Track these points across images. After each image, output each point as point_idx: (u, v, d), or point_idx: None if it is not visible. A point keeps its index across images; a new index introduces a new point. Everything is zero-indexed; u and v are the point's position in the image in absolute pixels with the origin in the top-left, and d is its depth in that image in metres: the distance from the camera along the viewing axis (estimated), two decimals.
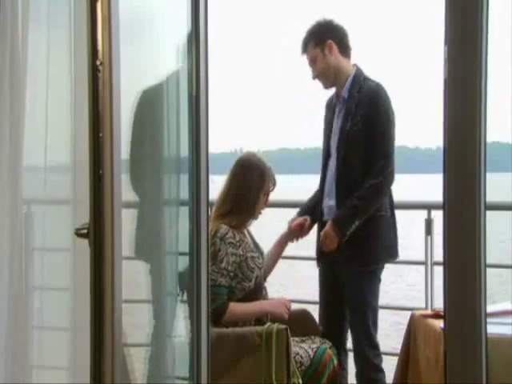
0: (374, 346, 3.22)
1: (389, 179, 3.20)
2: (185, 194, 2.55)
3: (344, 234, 3.16)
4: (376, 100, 3.21)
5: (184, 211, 2.55)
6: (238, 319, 3.05)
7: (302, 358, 3.01)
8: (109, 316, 1.64)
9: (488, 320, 1.73)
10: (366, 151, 3.19)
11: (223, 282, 3.01)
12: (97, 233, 1.67)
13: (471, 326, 1.75)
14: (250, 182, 3.11)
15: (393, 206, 3.29)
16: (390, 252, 3.29)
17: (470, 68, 1.87)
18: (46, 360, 2.57)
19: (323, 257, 3.34)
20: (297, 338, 3.12)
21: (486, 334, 1.75)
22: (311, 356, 3.03)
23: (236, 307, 3.03)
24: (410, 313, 3.24)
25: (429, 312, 3.12)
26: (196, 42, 2.45)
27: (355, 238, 3.19)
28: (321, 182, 3.40)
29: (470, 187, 1.73)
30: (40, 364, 2.54)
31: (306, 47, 3.36)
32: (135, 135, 2.36)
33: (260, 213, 3.22)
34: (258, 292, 3.12)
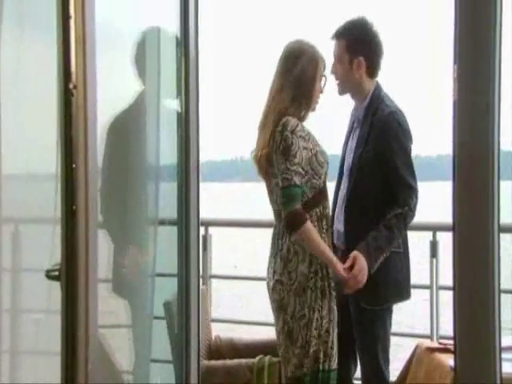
0: (384, 380, 3.07)
1: (413, 211, 2.98)
2: (173, 214, 2.42)
3: (373, 266, 2.89)
4: (387, 132, 3.00)
5: (171, 233, 2.43)
6: (309, 245, 2.74)
7: None
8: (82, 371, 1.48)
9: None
10: (385, 179, 2.99)
11: (298, 182, 2.72)
12: (69, 275, 1.51)
13: (485, 363, 1.64)
14: (305, 69, 2.85)
15: (406, 243, 3.07)
16: (401, 293, 3.10)
17: (482, 89, 1.75)
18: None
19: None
20: None
21: (501, 372, 1.62)
22: None
23: (312, 231, 2.72)
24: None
25: (436, 345, 2.96)
26: (185, 55, 2.33)
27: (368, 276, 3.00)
28: (333, 201, 3.22)
29: (481, 208, 1.64)
30: None
31: (336, 39, 3.11)
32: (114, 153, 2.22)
33: (317, 102, 2.95)
34: (324, 192, 2.86)
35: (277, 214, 2.85)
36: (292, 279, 2.77)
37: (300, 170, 2.74)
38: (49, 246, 2.33)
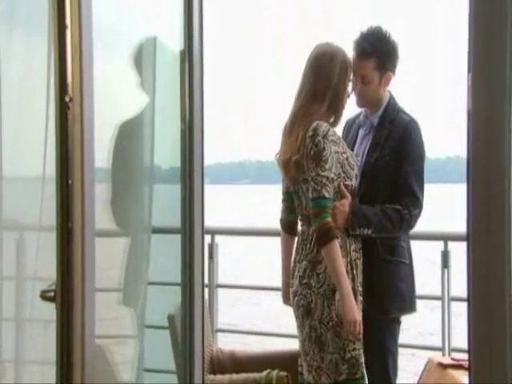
0: None
1: (411, 219, 2.92)
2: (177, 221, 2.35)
3: (352, 226, 2.82)
4: (408, 137, 2.96)
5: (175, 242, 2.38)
6: (329, 262, 2.64)
7: None
8: None
9: None
10: (391, 184, 2.94)
11: (326, 194, 2.68)
12: (65, 296, 1.45)
13: (501, 381, 1.56)
14: (339, 75, 2.79)
15: (411, 255, 3.01)
16: (403, 305, 3.04)
17: (497, 98, 1.69)
18: None
19: None
20: None
21: None
22: None
23: (336, 250, 2.63)
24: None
25: (448, 360, 2.86)
26: (190, 59, 2.28)
27: (372, 284, 2.89)
28: None
29: (497, 216, 1.56)
30: None
31: (365, 59, 2.97)
32: (120, 162, 2.18)
33: (344, 107, 2.90)
34: (355, 193, 2.84)
35: (306, 218, 2.79)
36: (320, 281, 2.70)
37: (332, 175, 2.70)
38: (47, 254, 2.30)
